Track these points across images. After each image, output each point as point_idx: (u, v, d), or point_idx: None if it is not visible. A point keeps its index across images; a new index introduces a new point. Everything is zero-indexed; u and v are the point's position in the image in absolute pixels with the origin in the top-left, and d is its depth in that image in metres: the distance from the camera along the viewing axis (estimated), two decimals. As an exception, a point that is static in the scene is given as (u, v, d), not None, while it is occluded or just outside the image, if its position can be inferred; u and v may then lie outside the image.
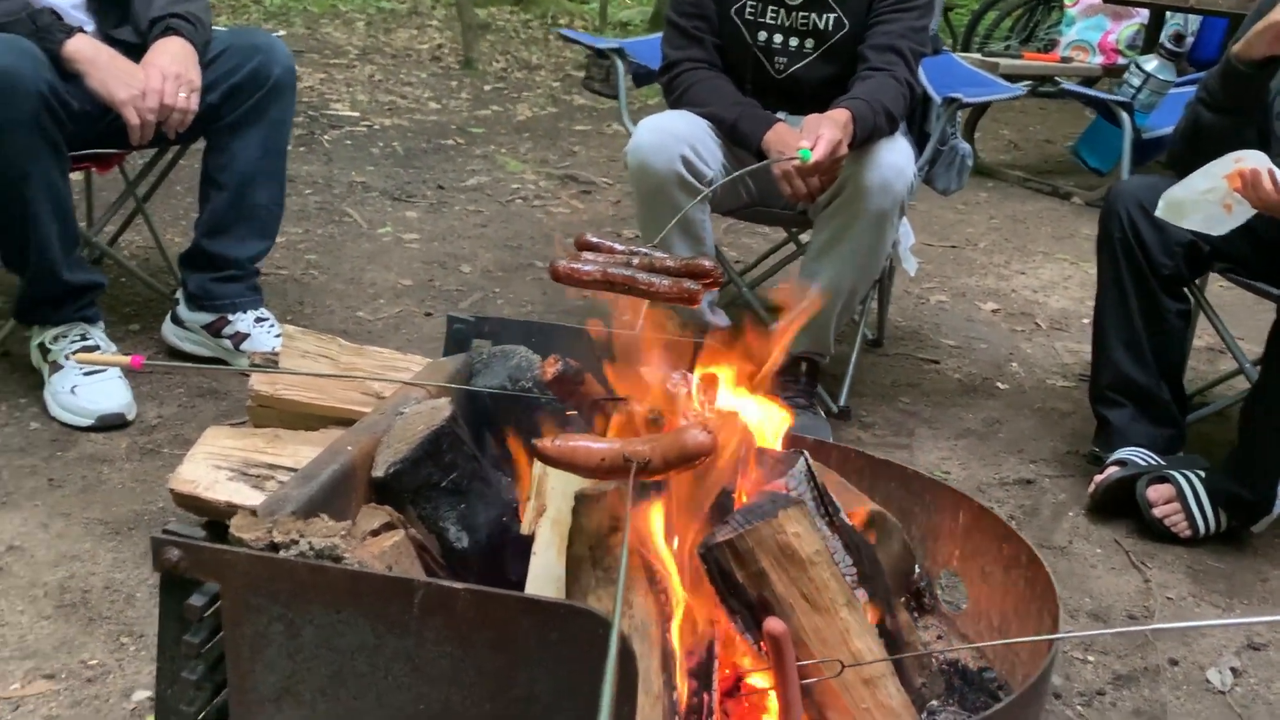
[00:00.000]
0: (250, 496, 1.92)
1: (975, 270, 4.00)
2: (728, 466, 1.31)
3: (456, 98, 6.15)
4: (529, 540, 1.41)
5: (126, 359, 1.68)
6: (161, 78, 2.28)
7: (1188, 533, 2.17)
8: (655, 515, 1.28)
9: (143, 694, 1.61)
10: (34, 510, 2.04)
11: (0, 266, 2.46)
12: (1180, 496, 2.17)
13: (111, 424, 2.32)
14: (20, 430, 2.31)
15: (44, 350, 2.40)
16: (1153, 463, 2.27)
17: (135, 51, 2.35)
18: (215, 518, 1.96)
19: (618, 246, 1.56)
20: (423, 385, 1.58)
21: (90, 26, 2.38)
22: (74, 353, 2.36)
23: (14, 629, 1.72)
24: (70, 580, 1.85)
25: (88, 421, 2.30)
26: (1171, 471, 2.20)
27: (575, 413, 1.48)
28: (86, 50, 2.24)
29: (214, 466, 1.95)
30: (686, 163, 2.35)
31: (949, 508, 1.61)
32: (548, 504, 1.37)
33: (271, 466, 1.96)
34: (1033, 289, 3.87)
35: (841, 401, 2.65)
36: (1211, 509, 2.16)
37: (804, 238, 2.86)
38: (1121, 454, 2.30)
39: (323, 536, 1.09)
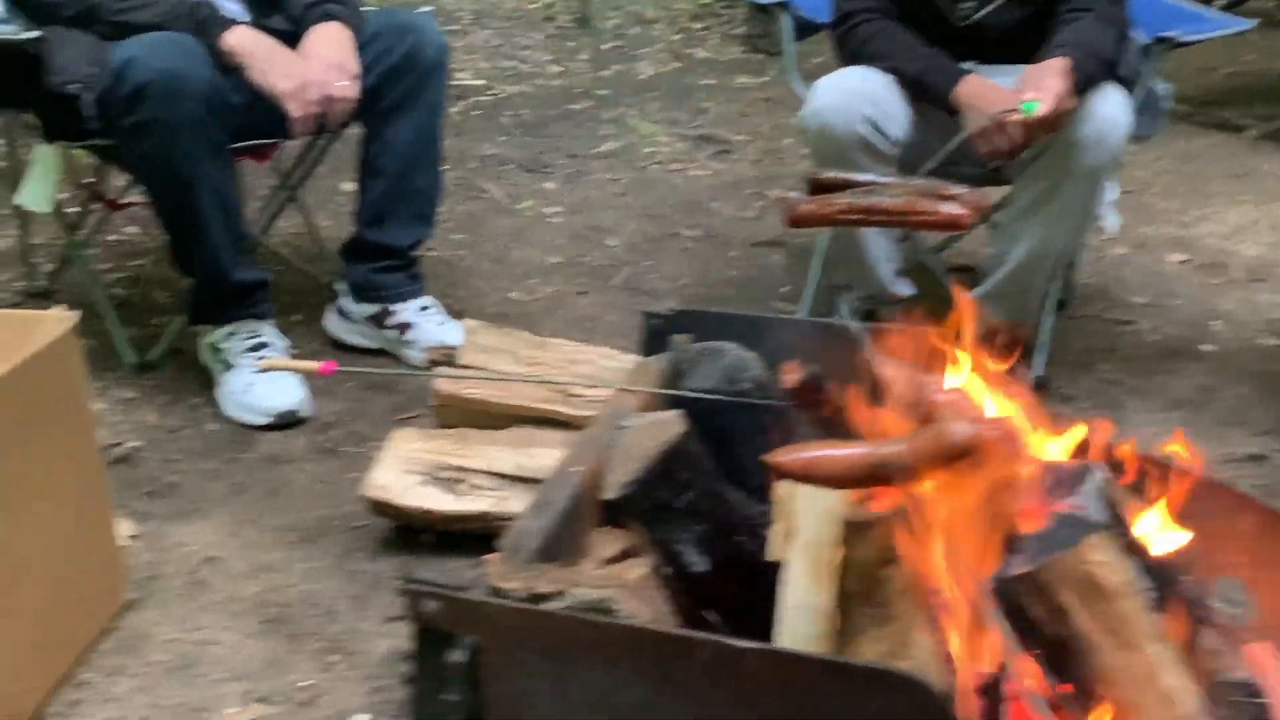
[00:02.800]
0: (444, 501, 1.86)
1: (1154, 218, 3.71)
2: (1006, 483, 1.16)
3: (576, 59, 6.01)
4: (772, 564, 1.29)
5: (316, 366, 1.61)
6: (322, 67, 2.21)
7: None
8: (930, 542, 1.14)
9: (361, 717, 1.55)
10: (223, 518, 2.01)
11: (168, 266, 2.45)
12: None
13: (288, 422, 2.28)
14: (199, 432, 2.29)
15: (215, 350, 2.38)
16: None
17: (288, 39, 2.28)
18: (408, 523, 1.91)
19: (857, 176, 1.41)
20: (635, 390, 1.47)
21: (245, 17, 2.31)
22: (247, 350, 2.32)
23: (223, 647, 1.69)
24: (269, 593, 1.81)
25: (264, 420, 2.27)
26: None
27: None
28: (246, 43, 2.17)
29: (404, 471, 1.89)
30: (871, 124, 2.18)
31: (1227, 509, 1.43)
32: (797, 526, 1.24)
33: (462, 469, 1.89)
34: (1220, 236, 3.57)
35: (1040, 371, 2.46)
36: None
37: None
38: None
39: (593, 587, 0.98)
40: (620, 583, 1.01)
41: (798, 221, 1.31)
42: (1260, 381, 2.56)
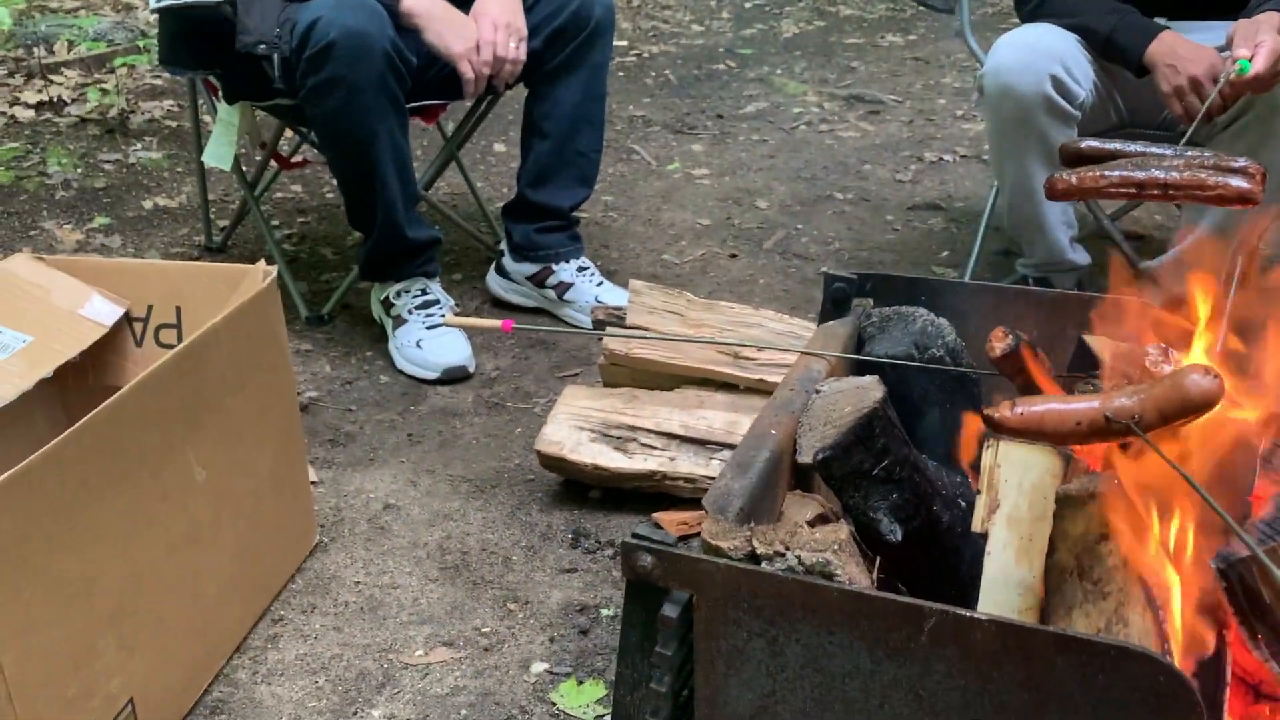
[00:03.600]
0: (614, 459, 1.88)
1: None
2: (1241, 456, 1.11)
3: (717, 17, 5.95)
4: (973, 537, 1.26)
5: (497, 323, 1.64)
6: (493, 28, 2.23)
7: None
8: (1149, 517, 1.10)
9: (540, 666, 1.59)
10: (401, 467, 2.08)
11: (333, 224, 2.52)
12: None
13: (456, 377, 2.34)
14: (373, 384, 2.37)
15: (387, 305, 2.45)
16: None
17: (460, 2, 2.31)
18: (578, 478, 1.94)
19: (1119, 145, 1.34)
20: (822, 355, 1.45)
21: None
22: (418, 307, 2.39)
23: (407, 591, 1.75)
24: (448, 541, 1.87)
25: (434, 374, 2.34)
26: None
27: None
28: (423, 4, 2.21)
29: (575, 428, 1.92)
30: (1057, 83, 2.10)
31: None
32: (1001, 499, 1.22)
33: (632, 428, 1.91)
34: None
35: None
36: None
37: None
38: None
39: (811, 550, 0.98)
40: (839, 546, 1.00)
41: (1060, 194, 1.26)
42: None
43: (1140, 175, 1.21)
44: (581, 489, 1.98)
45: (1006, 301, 1.60)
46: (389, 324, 2.44)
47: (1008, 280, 2.57)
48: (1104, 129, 2.37)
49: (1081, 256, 2.37)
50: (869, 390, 1.29)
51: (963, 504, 1.36)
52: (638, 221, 3.33)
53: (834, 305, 1.66)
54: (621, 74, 4.85)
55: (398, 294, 2.43)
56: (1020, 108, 2.11)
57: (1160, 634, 1.08)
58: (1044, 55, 2.10)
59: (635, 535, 1.02)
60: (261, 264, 1.64)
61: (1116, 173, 1.22)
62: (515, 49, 2.28)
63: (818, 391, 1.34)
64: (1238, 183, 1.19)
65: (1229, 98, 1.92)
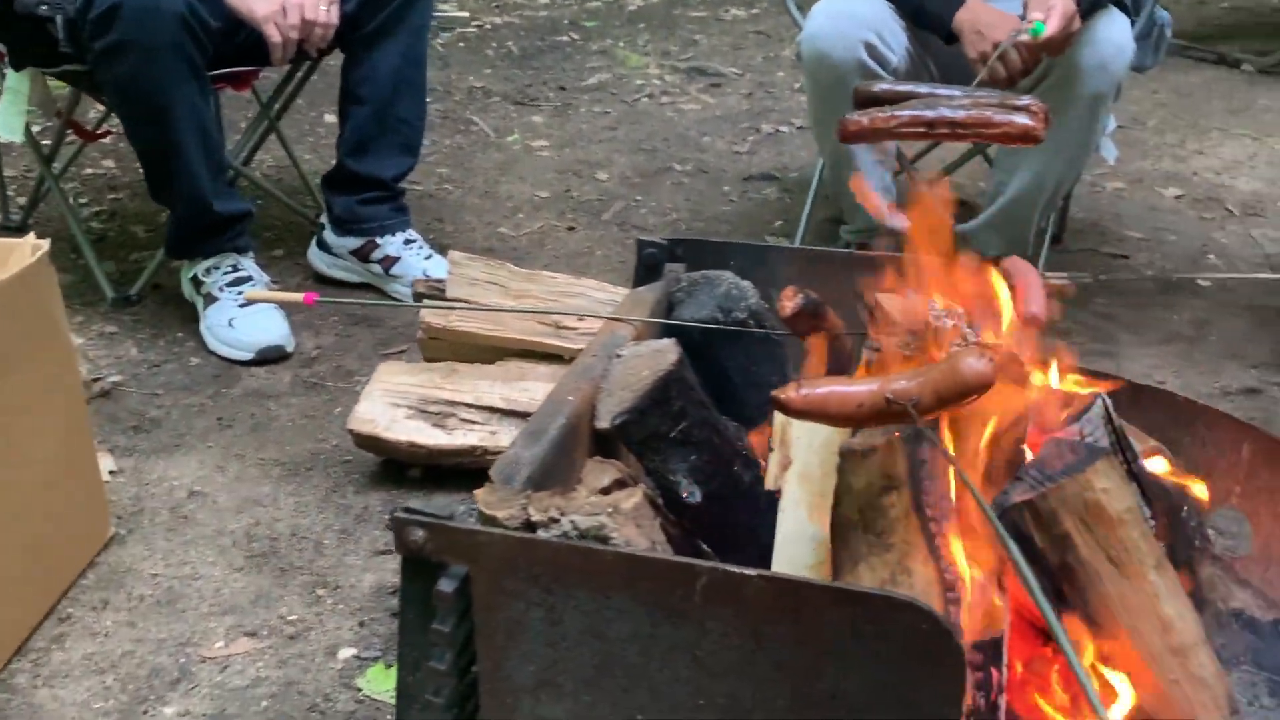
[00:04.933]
0: (433, 435, 1.82)
1: (1149, 152, 3.66)
2: (1011, 409, 1.13)
3: (563, -10, 5.87)
4: (768, 494, 1.26)
5: (299, 297, 1.56)
6: (301, -11, 2.13)
7: None
8: (931, 469, 1.12)
9: (348, 652, 1.54)
10: (209, 452, 1.98)
11: (147, 200, 2.38)
12: None
13: (272, 357, 2.24)
14: (182, 367, 2.25)
15: (196, 283, 2.33)
16: None
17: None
18: (395, 457, 1.88)
19: (913, 87, 1.34)
20: (628, 320, 1.43)
21: (221, -64, 2.22)
22: (229, 284, 2.27)
23: (209, 582, 1.66)
24: (256, 528, 1.79)
25: (248, 355, 2.23)
26: None
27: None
28: (221, -38, 2.09)
29: (391, 404, 1.86)
30: (870, 50, 2.12)
31: (1228, 439, 1.41)
32: (793, 456, 1.22)
33: (450, 403, 1.86)
34: (1215, 170, 3.53)
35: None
36: None
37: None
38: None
39: (586, 514, 0.95)
40: (615, 510, 0.98)
41: (851, 136, 1.26)
42: (1255, 316, 2.54)
43: (929, 114, 1.22)
44: (401, 468, 1.91)
45: (812, 263, 1.61)
46: (200, 303, 2.32)
47: (833, 246, 2.61)
48: (919, 96, 2.41)
49: (901, 222, 2.41)
50: (665, 354, 1.27)
51: (764, 464, 1.36)
52: (474, 194, 3.25)
53: (646, 271, 1.64)
54: (462, 45, 4.74)
55: (207, 271, 2.31)
56: (835, 74, 2.13)
57: (942, 582, 1.10)
58: (857, 22, 2.13)
59: (405, 509, 0.97)
60: (30, 237, 1.52)
61: (906, 112, 1.23)
62: (326, 11, 2.18)
63: (618, 356, 1.32)
64: (1022, 120, 1.21)
65: (1026, 61, 1.98)
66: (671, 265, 1.64)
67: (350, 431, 1.85)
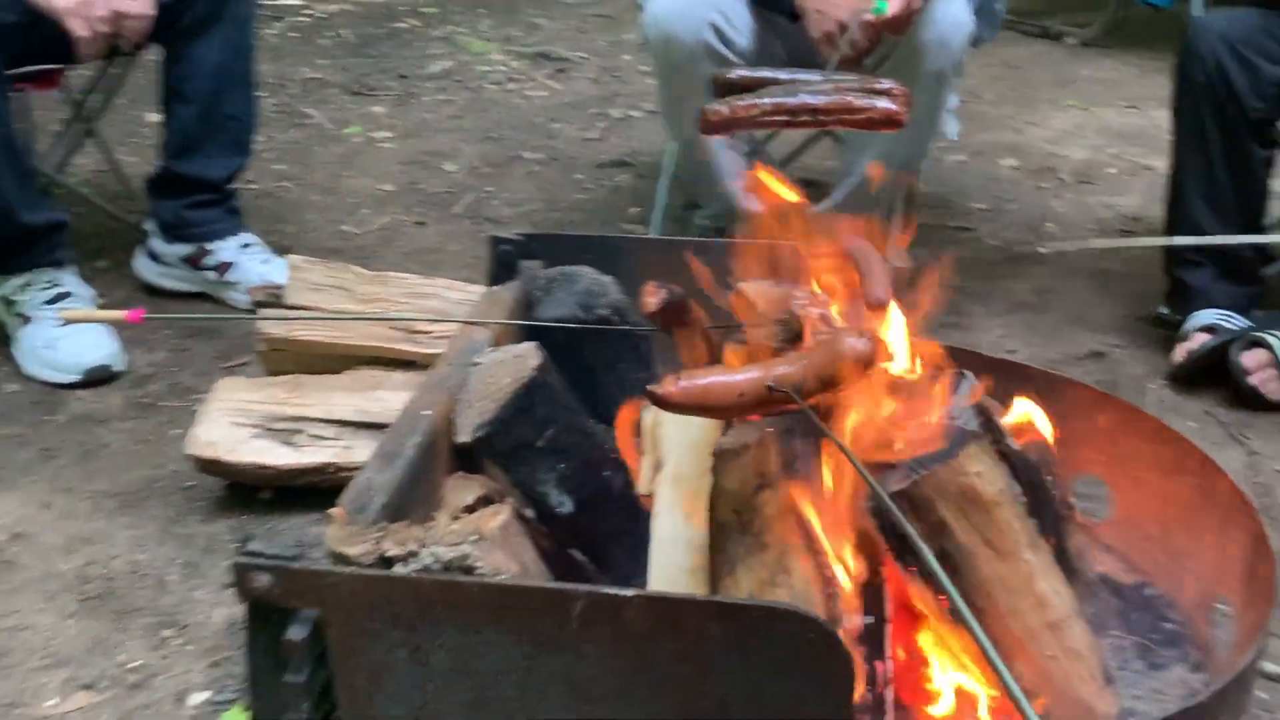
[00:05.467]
0: (281, 455, 1.71)
1: (987, 125, 3.77)
2: (878, 395, 1.11)
3: (399, -26, 5.68)
4: (638, 498, 1.22)
5: (122, 315, 1.44)
6: (108, -22, 1.96)
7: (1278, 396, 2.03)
8: (806, 463, 1.09)
9: (200, 696, 1.42)
10: (32, 487, 1.81)
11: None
12: (1276, 361, 2.03)
13: (100, 378, 2.07)
14: (-4, 395, 2.06)
15: (8, 303, 2.13)
16: (1239, 325, 2.12)
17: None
18: (242, 480, 1.76)
19: (772, 73, 1.30)
20: (485, 324, 1.36)
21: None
22: (46, 302, 2.09)
23: (38, 632, 1.51)
24: (89, 568, 1.64)
25: (73, 377, 2.06)
26: (1264, 335, 2.05)
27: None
28: (13, -50, 1.90)
29: (234, 424, 1.73)
30: (717, 31, 2.09)
31: (1087, 408, 1.44)
32: (664, 458, 1.17)
33: (299, 419, 1.75)
34: (1048, 141, 3.67)
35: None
36: (1307, 370, 2.02)
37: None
38: (1205, 318, 2.14)
39: (448, 545, 0.88)
40: (479, 535, 0.91)
41: (713, 127, 1.21)
42: (1095, 281, 2.63)
43: (792, 102, 1.19)
44: (249, 491, 1.79)
45: (670, 253, 1.56)
46: (14, 324, 2.12)
47: (689, 233, 2.58)
48: (767, 77, 2.39)
49: (754, 204, 2.40)
50: (526, 359, 1.21)
51: (634, 467, 1.31)
52: (315, 190, 3.10)
53: (501, 269, 1.57)
54: (295, 35, 4.52)
55: (21, 288, 2.11)
56: (682, 57, 2.09)
57: (822, 578, 1.08)
58: (701, 3, 2.09)
59: (246, 551, 0.88)
60: None
61: (768, 100, 1.19)
62: (138, 3, 2.02)
63: (475, 364, 1.24)
64: (884, 104, 1.19)
65: (870, 40, 1.98)
66: (527, 261, 1.58)
67: (190, 457, 1.72)
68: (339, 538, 0.90)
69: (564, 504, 1.20)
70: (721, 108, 1.19)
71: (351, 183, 3.16)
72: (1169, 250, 2.23)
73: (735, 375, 1.01)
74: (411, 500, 1.07)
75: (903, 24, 1.94)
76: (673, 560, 1.15)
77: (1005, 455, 1.16)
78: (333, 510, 0.93)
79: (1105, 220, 3.01)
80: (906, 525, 0.80)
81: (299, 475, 1.73)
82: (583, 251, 1.58)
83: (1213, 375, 2.12)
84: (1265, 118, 2.03)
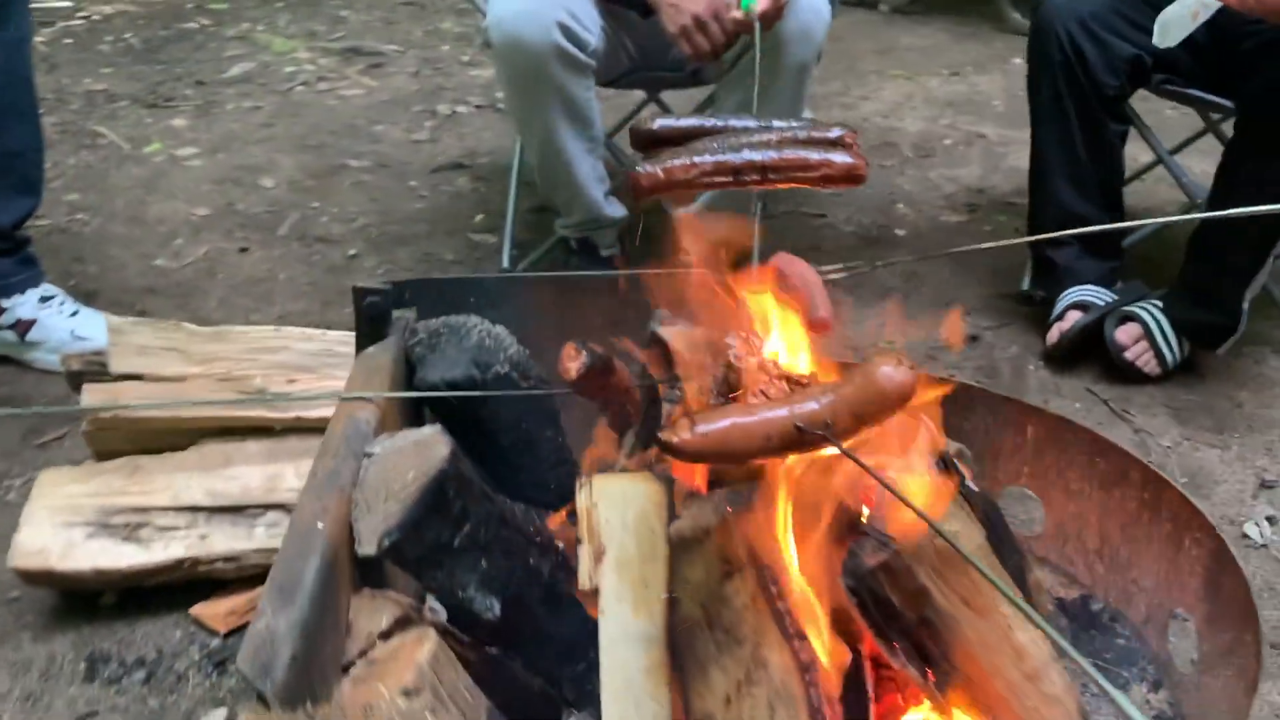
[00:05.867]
0: (124, 554, 1.48)
1: (818, 104, 3.75)
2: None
3: (178, -33, 5.23)
4: (567, 588, 1.08)
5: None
6: None
7: (1158, 370, 2.07)
8: (770, 543, 0.97)
9: None
10: None
11: None
12: (1147, 334, 2.05)
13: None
14: None
15: None
16: (1106, 300, 2.14)
17: None
18: (78, 589, 1.51)
19: (693, 122, 1.14)
20: (367, 398, 1.18)
21: None
22: None
23: None
24: (-102, 721, 1.37)
25: None
26: (1134, 309, 2.08)
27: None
28: None
29: (63, 524, 1.49)
30: (565, 30, 1.94)
31: (1013, 421, 1.38)
32: (605, 543, 1.03)
33: (140, 509, 1.52)
34: (882, 115, 3.68)
35: (759, 282, 2.38)
36: (1176, 340, 2.06)
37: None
38: (1075, 295, 2.16)
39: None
40: (432, 700, 0.75)
41: (649, 192, 1.05)
42: (955, 261, 2.63)
43: (735, 159, 1.05)
44: (89, 598, 1.54)
45: (565, 292, 1.42)
46: None
47: (548, 243, 2.43)
48: (619, 73, 2.26)
49: (617, 210, 2.27)
50: (431, 446, 1.04)
51: (560, 544, 1.17)
52: (117, 221, 2.77)
53: (369, 323, 1.38)
54: (70, 41, 4.08)
55: None
56: (532, 60, 1.93)
57: (799, 665, 0.97)
58: (548, 3, 1.93)
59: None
60: None
61: (708, 158, 1.05)
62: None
63: (368, 455, 1.07)
64: (841, 158, 1.07)
65: (730, 35, 1.87)
66: (399, 312, 1.40)
67: (15, 570, 1.46)
68: (254, 732, 0.73)
69: (491, 608, 1.05)
70: (654, 169, 1.04)
71: (159, 209, 2.84)
72: (1034, 229, 2.23)
73: (755, 416, 0.89)
74: (320, 640, 0.90)
75: (773, 18, 1.84)
76: (626, 660, 1.01)
77: (967, 498, 1.08)
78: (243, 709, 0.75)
79: (951, 195, 3.03)
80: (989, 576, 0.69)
81: (148, 576, 1.50)
82: (461, 295, 1.42)
83: (1086, 350, 2.14)
84: (1119, 94, 2.04)
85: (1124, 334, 2.07)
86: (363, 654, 0.95)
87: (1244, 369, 2.16)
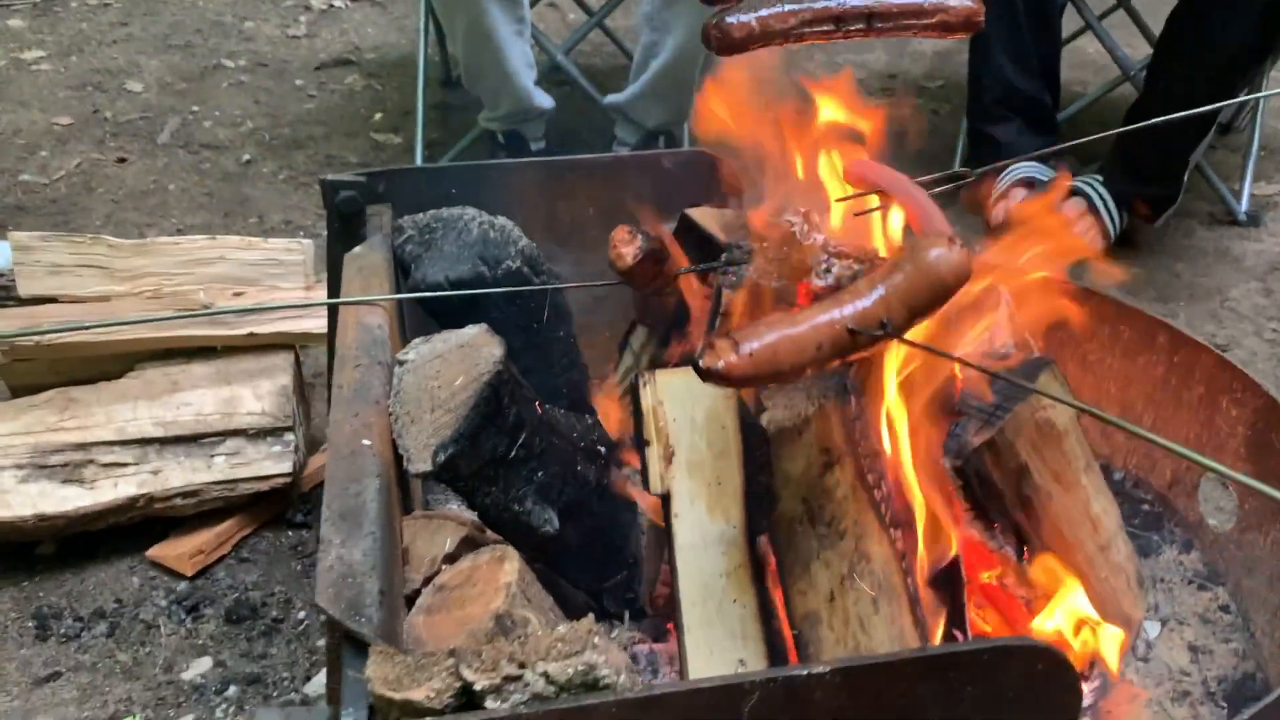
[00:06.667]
0: (67, 497, 1.32)
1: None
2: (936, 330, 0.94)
3: None
4: (620, 492, 0.99)
5: None
6: None
7: (1101, 244, 2.08)
8: (865, 424, 0.90)
9: None
10: None
11: None
12: (1091, 207, 2.06)
13: None
14: None
15: None
16: (1048, 176, 2.14)
17: None
18: (16, 538, 1.34)
19: None
20: (370, 301, 1.04)
21: None
22: None
23: None
24: None
25: None
26: (1078, 183, 2.08)
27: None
28: None
29: (-10, 470, 1.30)
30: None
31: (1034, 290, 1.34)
32: (674, 444, 0.95)
33: (81, 445, 1.35)
34: (779, 1, 3.58)
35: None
36: (1117, 212, 2.08)
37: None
38: (1019, 172, 2.14)
39: (559, 658, 0.62)
40: (594, 637, 0.65)
41: (739, 45, 0.91)
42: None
43: (836, 5, 0.93)
44: (23, 548, 1.37)
45: (556, 177, 1.30)
46: None
47: (468, 137, 2.26)
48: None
49: (546, 100, 2.13)
50: (480, 347, 0.92)
51: (602, 450, 1.07)
52: (-36, 136, 2.45)
53: (344, 221, 1.23)
54: None
55: None
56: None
57: (897, 555, 0.91)
58: None
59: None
60: None
61: (804, 5, 0.93)
62: None
63: (400, 363, 0.94)
64: (958, 2, 0.96)
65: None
66: (373, 207, 1.25)
67: (-63, 526, 1.27)
68: (390, 678, 0.62)
69: (550, 520, 0.95)
70: (746, 19, 0.91)
71: (12, 118, 2.53)
72: (975, 106, 2.20)
73: (801, 326, 0.80)
74: (393, 570, 0.79)
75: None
76: (704, 565, 0.94)
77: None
78: (372, 649, 0.64)
79: (864, 82, 2.97)
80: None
81: (97, 518, 1.33)
82: (442, 186, 1.28)
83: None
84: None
85: (1069, 209, 2.07)
86: (427, 580, 0.84)
87: (1175, 241, 2.20)
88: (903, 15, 0.94)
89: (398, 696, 0.60)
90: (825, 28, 0.93)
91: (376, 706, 0.62)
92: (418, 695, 0.61)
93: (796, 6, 0.92)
